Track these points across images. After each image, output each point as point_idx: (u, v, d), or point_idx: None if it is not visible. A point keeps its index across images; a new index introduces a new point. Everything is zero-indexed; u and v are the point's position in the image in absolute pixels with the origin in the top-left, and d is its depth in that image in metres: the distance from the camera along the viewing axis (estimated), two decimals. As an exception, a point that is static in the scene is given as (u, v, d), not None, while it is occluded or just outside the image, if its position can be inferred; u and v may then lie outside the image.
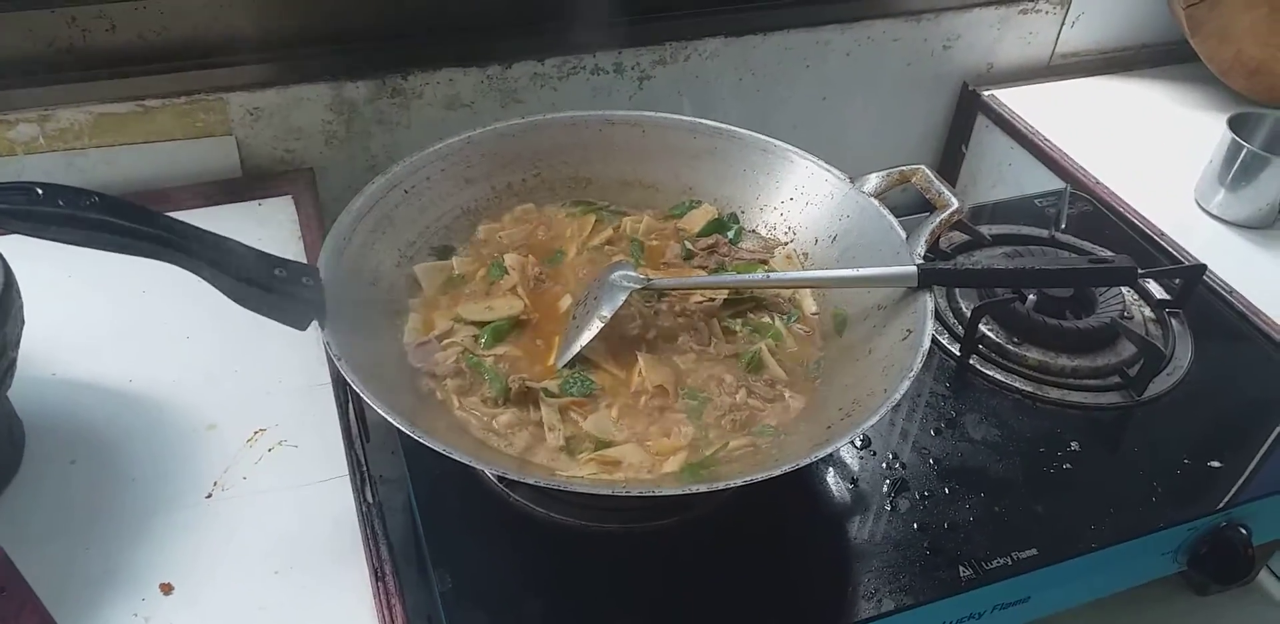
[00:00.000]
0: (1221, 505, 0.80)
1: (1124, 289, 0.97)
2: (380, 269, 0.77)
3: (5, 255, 0.68)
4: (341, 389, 0.79)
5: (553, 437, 0.70)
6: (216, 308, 0.65)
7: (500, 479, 0.76)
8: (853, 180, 0.83)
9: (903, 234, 0.78)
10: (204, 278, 0.63)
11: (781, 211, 0.87)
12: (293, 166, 1.04)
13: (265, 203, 0.98)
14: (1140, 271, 0.99)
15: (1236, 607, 0.91)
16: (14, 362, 0.68)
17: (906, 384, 0.66)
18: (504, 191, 0.87)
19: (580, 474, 0.68)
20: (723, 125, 0.88)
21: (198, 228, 0.63)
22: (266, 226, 0.95)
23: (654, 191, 0.90)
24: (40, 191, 0.58)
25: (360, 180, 0.78)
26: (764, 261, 0.86)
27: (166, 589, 0.66)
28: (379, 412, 0.61)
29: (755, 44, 1.15)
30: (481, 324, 0.77)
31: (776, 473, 0.61)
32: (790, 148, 0.87)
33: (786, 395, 0.75)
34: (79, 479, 0.72)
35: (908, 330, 0.72)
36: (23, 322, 0.68)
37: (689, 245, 0.86)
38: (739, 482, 0.61)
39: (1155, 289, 0.99)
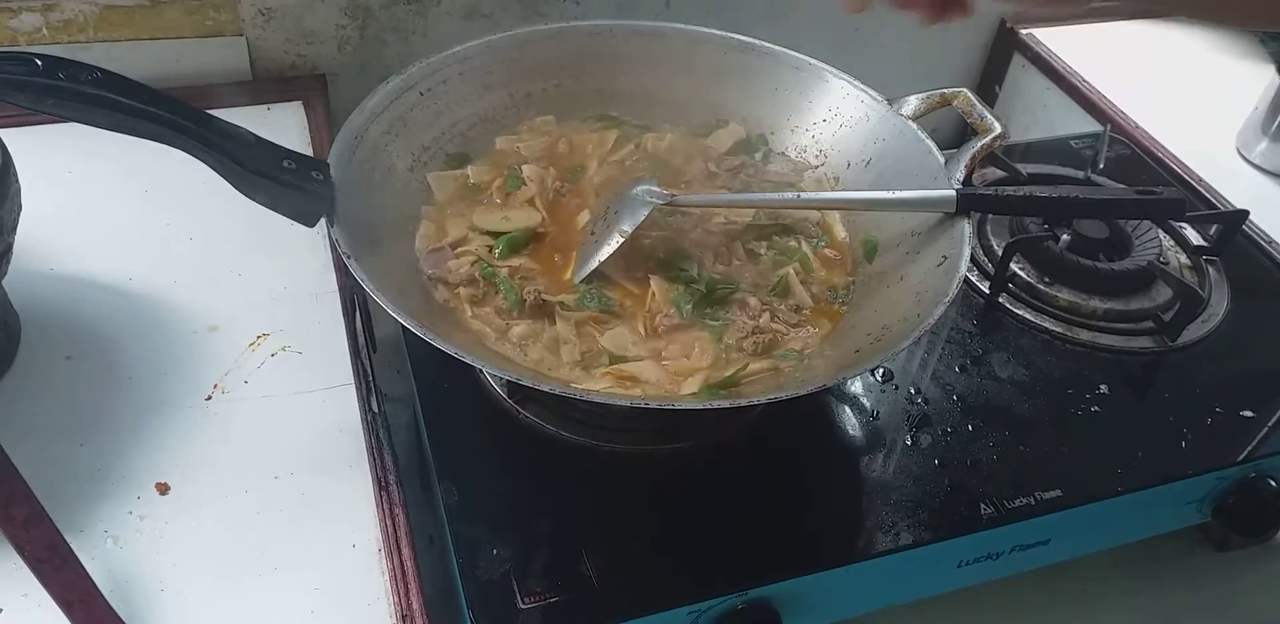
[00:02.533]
0: (1252, 456, 0.78)
1: (1160, 233, 0.93)
2: (393, 171, 0.73)
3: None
4: (349, 296, 0.76)
5: (568, 350, 0.67)
6: (221, 210, 0.63)
7: (511, 394, 0.73)
8: (890, 102, 0.79)
9: (941, 159, 0.75)
10: (208, 164, 0.59)
11: (813, 134, 0.83)
12: (304, 72, 0.99)
13: (274, 108, 0.94)
14: (1181, 213, 0.96)
15: (1255, 564, 0.89)
16: (10, 247, 0.65)
17: (940, 310, 0.63)
18: (523, 101, 0.83)
19: (595, 388, 0.65)
20: (755, 40, 0.84)
21: (204, 112, 0.60)
22: (275, 132, 0.87)
23: (680, 108, 0.86)
24: (39, 63, 0.55)
25: (373, 89, 0.74)
26: (792, 185, 0.82)
27: (163, 489, 0.64)
28: (388, 311, 0.58)
29: (791, -34, 1.10)
30: (497, 234, 0.74)
31: (803, 393, 0.58)
32: (825, 67, 0.82)
33: (811, 320, 0.73)
34: (75, 375, 0.70)
35: (943, 257, 0.69)
36: (20, 206, 0.65)
37: (713, 166, 0.83)
38: (763, 399, 0.59)
39: (1192, 235, 0.96)
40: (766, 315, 0.72)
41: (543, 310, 0.69)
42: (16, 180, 0.64)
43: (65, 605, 0.54)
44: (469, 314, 0.69)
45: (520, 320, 0.69)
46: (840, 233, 0.80)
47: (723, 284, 0.73)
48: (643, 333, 0.69)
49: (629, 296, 0.72)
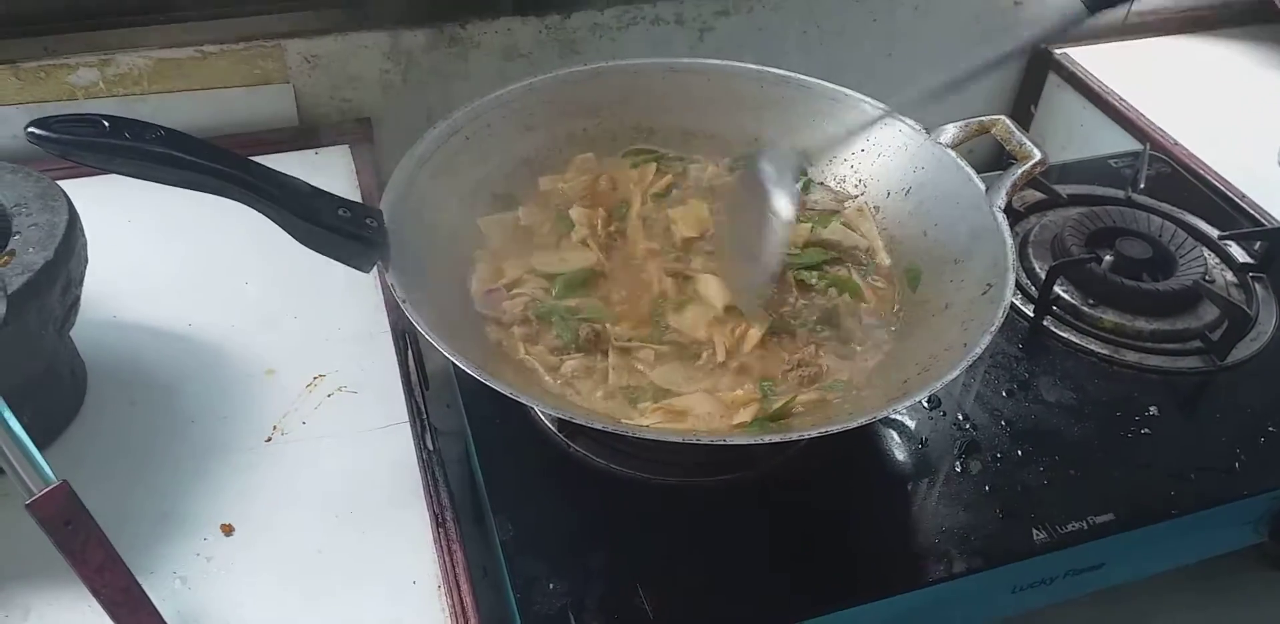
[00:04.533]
0: (1308, 475, 0.77)
1: (1206, 251, 0.93)
2: (442, 215, 0.75)
3: (67, 201, 0.67)
4: (401, 336, 0.78)
5: (617, 385, 0.68)
6: (276, 254, 0.64)
7: (561, 429, 0.74)
8: (928, 131, 0.80)
9: (982, 186, 0.75)
10: (267, 215, 0.61)
11: (852, 164, 0.84)
12: (350, 116, 1.02)
13: (322, 152, 0.97)
14: (1222, 234, 0.96)
15: (1313, 582, 0.88)
16: (78, 299, 0.67)
17: (988, 338, 0.64)
18: (565, 141, 0.85)
19: (645, 423, 0.66)
20: (790, 73, 0.85)
21: (262, 165, 0.62)
22: (323, 176, 0.93)
23: (719, 142, 0.87)
24: (106, 124, 0.58)
25: (417, 132, 0.76)
26: (834, 213, 0.83)
27: (227, 530, 0.66)
28: (442, 353, 0.60)
29: (822, -5, 1.12)
30: (554, 276, 0.75)
31: (853, 425, 0.59)
32: (861, 97, 0.83)
33: (859, 351, 0.73)
34: (139, 420, 0.72)
35: (988, 285, 0.70)
36: (86, 260, 0.67)
37: (755, 197, 0.84)
38: (814, 432, 0.59)
39: (1238, 252, 0.95)
40: (813, 347, 0.72)
41: (596, 346, 0.70)
42: (83, 234, 0.66)
43: (140, 647, 0.56)
44: (521, 351, 0.70)
45: (572, 357, 0.70)
46: (885, 260, 0.80)
47: (775, 317, 0.73)
48: (718, 362, 0.70)
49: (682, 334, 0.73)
